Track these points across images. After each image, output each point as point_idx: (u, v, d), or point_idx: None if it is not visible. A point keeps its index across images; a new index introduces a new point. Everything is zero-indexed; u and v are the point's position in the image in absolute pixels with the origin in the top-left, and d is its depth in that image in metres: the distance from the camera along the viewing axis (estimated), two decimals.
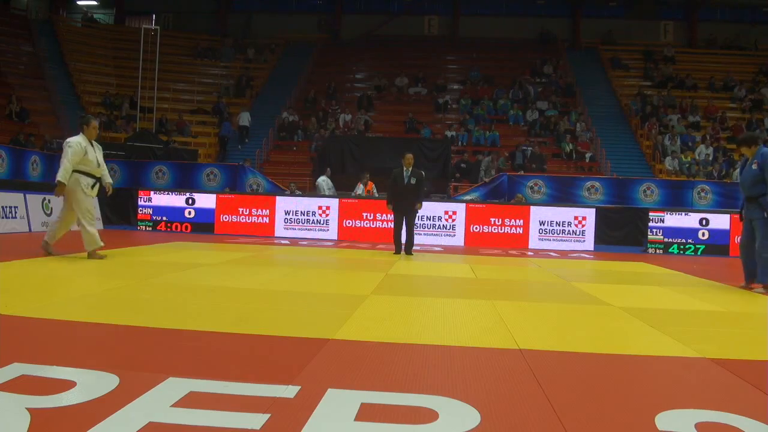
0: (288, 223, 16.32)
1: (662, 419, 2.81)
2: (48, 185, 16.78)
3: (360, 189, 17.43)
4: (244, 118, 27.40)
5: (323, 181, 18.32)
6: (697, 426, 2.75)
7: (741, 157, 8.46)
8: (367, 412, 2.75)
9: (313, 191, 19.93)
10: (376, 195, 16.89)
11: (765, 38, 33.03)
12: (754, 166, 7.85)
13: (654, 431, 2.70)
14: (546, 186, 19.06)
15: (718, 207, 18.33)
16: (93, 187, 8.86)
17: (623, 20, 34.49)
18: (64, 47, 29.85)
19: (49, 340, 3.96)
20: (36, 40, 29.56)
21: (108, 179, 9.18)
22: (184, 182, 19.71)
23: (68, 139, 8.82)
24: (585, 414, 2.90)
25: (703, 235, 15.72)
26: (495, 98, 29.21)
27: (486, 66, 31.80)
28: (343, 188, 18.58)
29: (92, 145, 8.86)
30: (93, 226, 8.81)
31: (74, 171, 8.65)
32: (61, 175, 8.56)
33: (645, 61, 31.96)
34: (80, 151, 8.64)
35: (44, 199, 14.93)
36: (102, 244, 8.82)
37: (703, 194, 19.15)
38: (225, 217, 16.48)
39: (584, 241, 15.85)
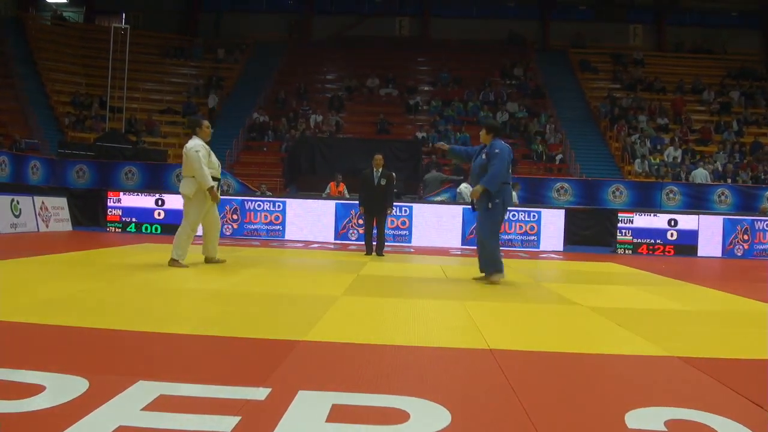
0: (252, 224, 16.24)
1: (632, 417, 2.83)
2: (16, 186, 16.52)
3: (329, 189, 17.34)
4: (212, 101, 27.94)
5: (465, 188, 17.90)
6: (667, 423, 2.77)
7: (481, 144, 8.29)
8: (338, 414, 2.74)
9: (281, 192, 19.82)
10: (347, 196, 16.85)
11: (733, 42, 33.61)
12: (484, 157, 7.86)
13: (624, 429, 2.71)
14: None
15: (686, 208, 18.58)
16: (217, 189, 8.77)
17: (592, 23, 34.83)
18: (32, 46, 29.35)
19: (17, 343, 3.90)
20: (4, 38, 29.00)
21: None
22: (154, 183, 19.48)
23: (189, 146, 8.59)
24: (555, 413, 2.92)
25: (672, 235, 15.91)
26: (465, 100, 29.33)
27: (456, 68, 31.92)
28: (314, 189, 18.48)
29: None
30: (189, 237, 8.66)
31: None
32: (208, 181, 8.46)
33: (614, 64, 32.32)
34: (206, 153, 8.55)
35: (12, 200, 14.64)
36: (182, 257, 8.53)
37: (671, 195, 19.40)
38: None
39: (553, 241, 15.96)
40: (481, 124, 9.21)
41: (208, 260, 9.01)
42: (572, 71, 32.10)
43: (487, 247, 7.94)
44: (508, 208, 8.04)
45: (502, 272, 7.95)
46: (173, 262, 8.45)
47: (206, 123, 8.93)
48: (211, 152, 8.80)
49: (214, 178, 8.71)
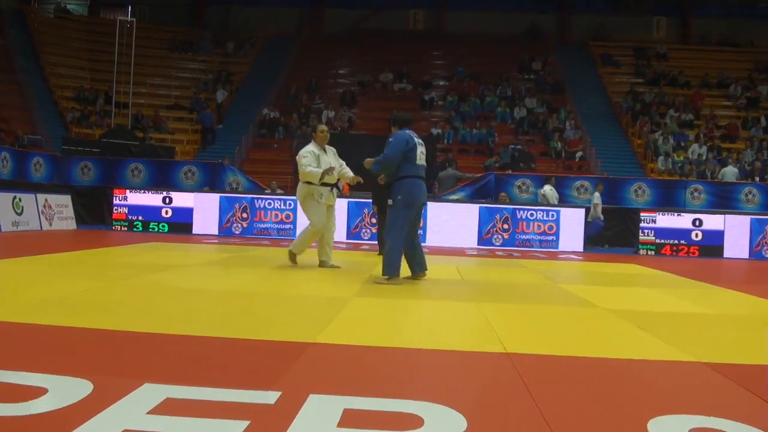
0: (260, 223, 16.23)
1: (655, 425, 2.76)
2: (19, 183, 16.49)
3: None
4: (220, 96, 28.30)
5: (550, 190, 17.79)
6: None
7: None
8: (350, 418, 2.69)
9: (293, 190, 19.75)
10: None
11: (761, 35, 32.74)
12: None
13: None
14: (534, 185, 18.99)
15: (712, 207, 18.29)
16: (331, 192, 8.96)
17: (614, 16, 34.10)
18: (35, 39, 29.08)
19: (20, 344, 3.86)
20: (6, 31, 28.53)
21: (349, 173, 9.18)
22: (161, 180, 19.40)
23: (300, 151, 8.90)
24: (574, 420, 2.85)
25: (697, 236, 15.73)
26: (482, 95, 29.13)
27: (472, 62, 31.59)
28: None
29: (325, 150, 8.94)
30: (312, 236, 9.01)
31: (307, 181, 8.76)
32: (315, 175, 8.62)
33: (637, 58, 31.74)
34: (313, 159, 8.71)
35: (14, 197, 14.58)
36: (300, 251, 9.11)
37: (696, 194, 19.09)
38: (204, 217, 16.34)
39: (573, 242, 15.81)
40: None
41: (322, 264, 9.13)
42: (593, 65, 31.64)
43: (386, 246, 7.78)
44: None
45: (398, 277, 7.61)
46: (290, 255, 9.13)
47: (321, 127, 9.14)
48: (323, 156, 8.87)
49: (327, 184, 8.87)
